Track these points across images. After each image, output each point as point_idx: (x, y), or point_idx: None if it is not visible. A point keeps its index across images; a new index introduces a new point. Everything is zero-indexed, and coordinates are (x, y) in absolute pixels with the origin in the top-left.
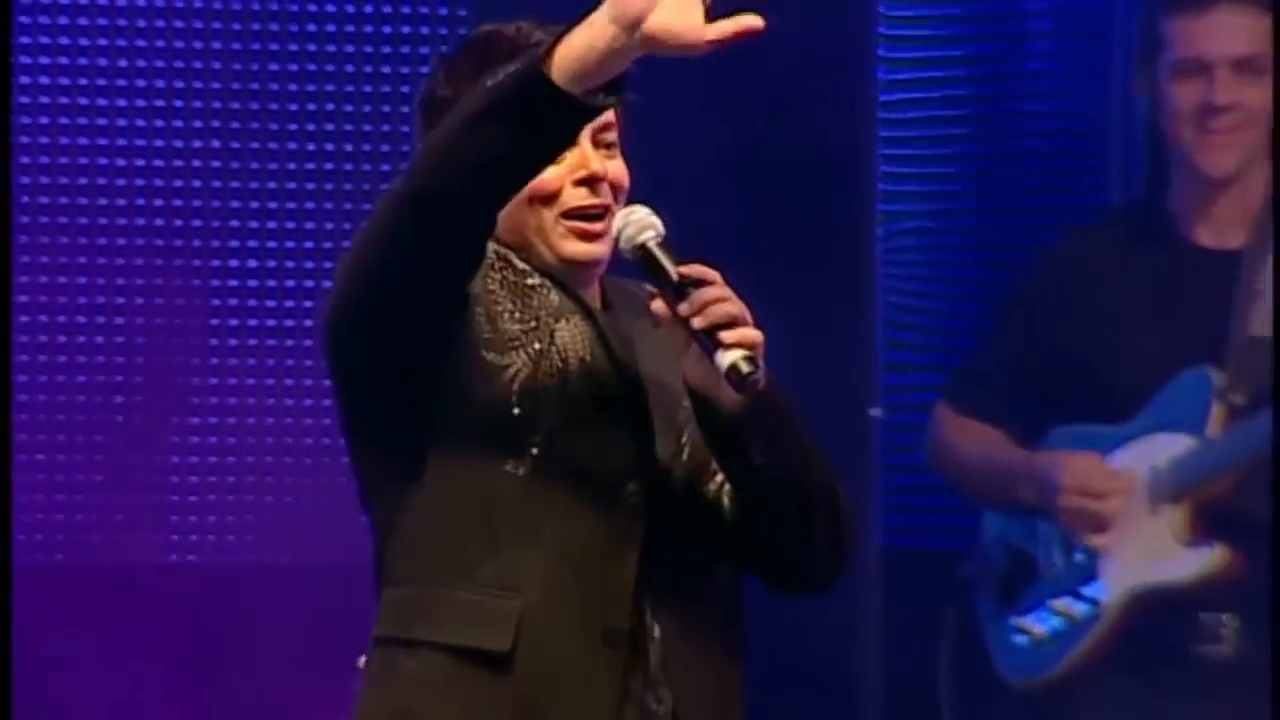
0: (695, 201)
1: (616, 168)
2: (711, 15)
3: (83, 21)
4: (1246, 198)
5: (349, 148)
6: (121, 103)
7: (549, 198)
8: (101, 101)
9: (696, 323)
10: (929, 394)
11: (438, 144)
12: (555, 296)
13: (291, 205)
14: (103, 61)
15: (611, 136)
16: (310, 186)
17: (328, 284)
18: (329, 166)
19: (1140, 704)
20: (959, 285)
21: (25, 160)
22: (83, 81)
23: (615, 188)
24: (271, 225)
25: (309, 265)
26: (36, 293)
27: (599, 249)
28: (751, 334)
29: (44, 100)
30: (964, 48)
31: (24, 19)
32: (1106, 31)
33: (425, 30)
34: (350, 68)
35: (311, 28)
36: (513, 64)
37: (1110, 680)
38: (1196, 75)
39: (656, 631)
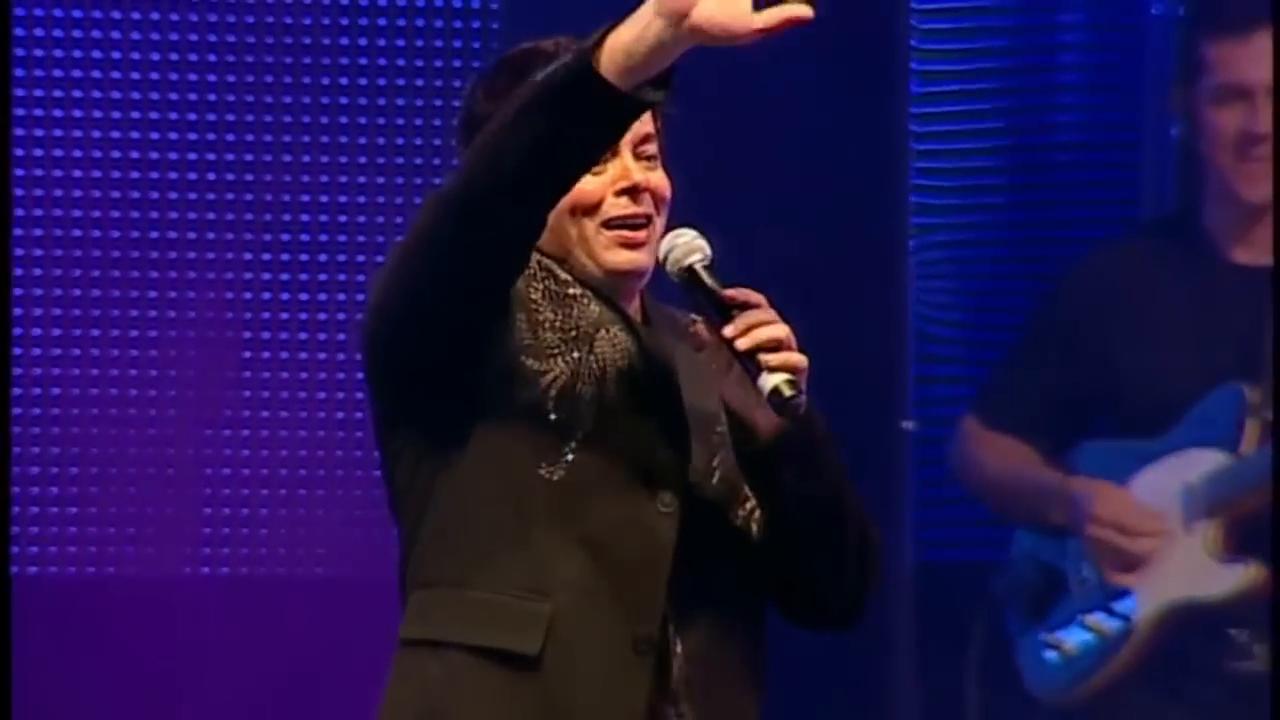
0: (727, 217)
1: (658, 179)
2: (760, 5)
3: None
4: (1273, 226)
5: (381, 160)
6: (136, 110)
7: (591, 208)
8: (115, 109)
9: (741, 344)
10: (960, 406)
11: (487, 141)
12: (596, 307)
13: (324, 218)
14: (115, 55)
15: (652, 149)
16: (343, 200)
17: (360, 296)
18: (362, 179)
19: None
20: (990, 298)
21: (38, 172)
22: (97, 86)
23: (657, 198)
24: (305, 238)
25: (341, 278)
26: (70, 306)
27: (641, 258)
28: (795, 358)
29: (58, 101)
30: (996, 61)
31: (39, 11)
32: (1139, 46)
33: (458, 24)
34: (381, 78)
35: (344, 40)
36: (560, 60)
37: (1141, 696)
38: (1237, 101)
39: (679, 647)
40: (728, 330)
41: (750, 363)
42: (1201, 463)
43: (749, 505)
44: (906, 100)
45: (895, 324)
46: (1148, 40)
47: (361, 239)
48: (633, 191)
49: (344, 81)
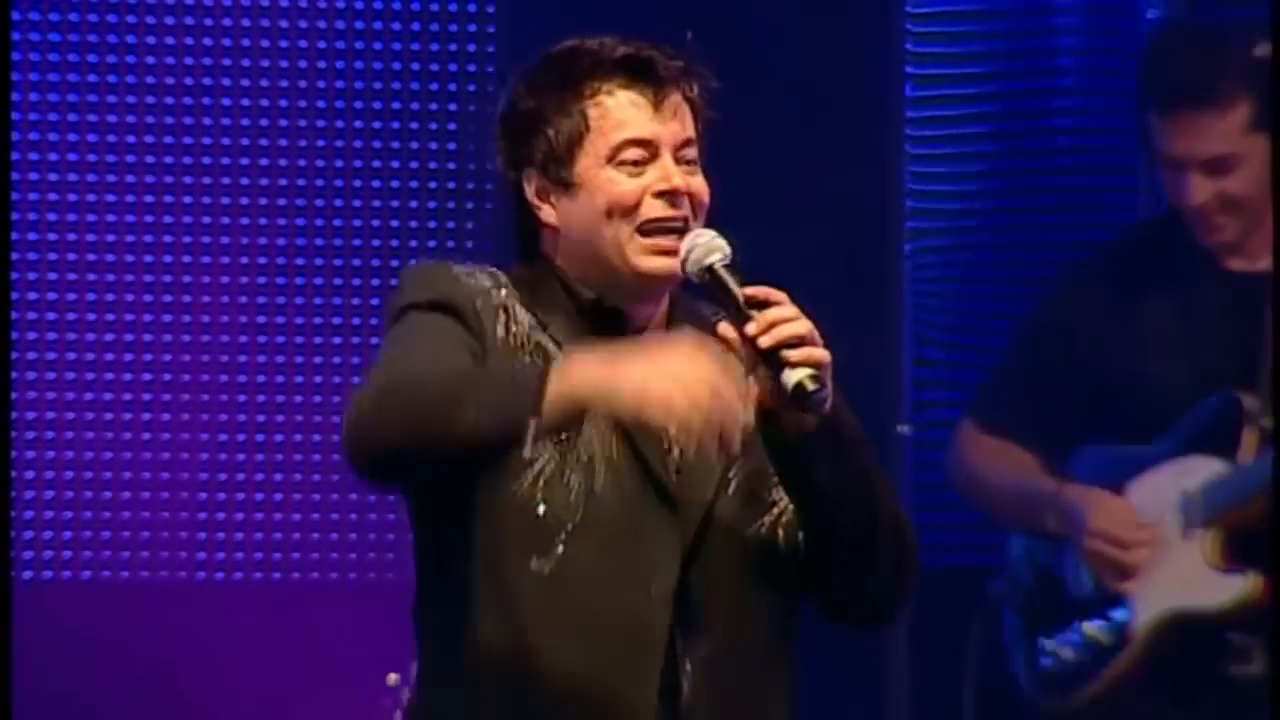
0: (721, 221)
1: (698, 183)
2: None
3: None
4: (1269, 233)
5: (377, 164)
6: (132, 109)
7: (628, 210)
8: (112, 107)
9: (763, 342)
10: (956, 411)
11: (427, 388)
12: None
13: (320, 222)
14: (112, 58)
15: (692, 153)
16: (339, 204)
17: (356, 300)
18: (358, 183)
19: None
20: (985, 303)
21: (34, 175)
22: (98, 86)
23: (695, 203)
24: (301, 241)
25: (337, 282)
26: (65, 310)
27: (674, 264)
28: (817, 353)
29: (53, 102)
30: (991, 65)
31: (35, 15)
32: (1133, 50)
33: (454, 28)
34: (378, 82)
35: (340, 44)
36: (522, 367)
37: (1138, 703)
38: (1174, 173)
39: (687, 687)
40: (749, 328)
41: (773, 360)
42: (1199, 470)
43: (775, 511)
44: (901, 104)
45: (890, 328)
46: (1143, 44)
47: (358, 242)
48: (672, 195)
49: (340, 85)
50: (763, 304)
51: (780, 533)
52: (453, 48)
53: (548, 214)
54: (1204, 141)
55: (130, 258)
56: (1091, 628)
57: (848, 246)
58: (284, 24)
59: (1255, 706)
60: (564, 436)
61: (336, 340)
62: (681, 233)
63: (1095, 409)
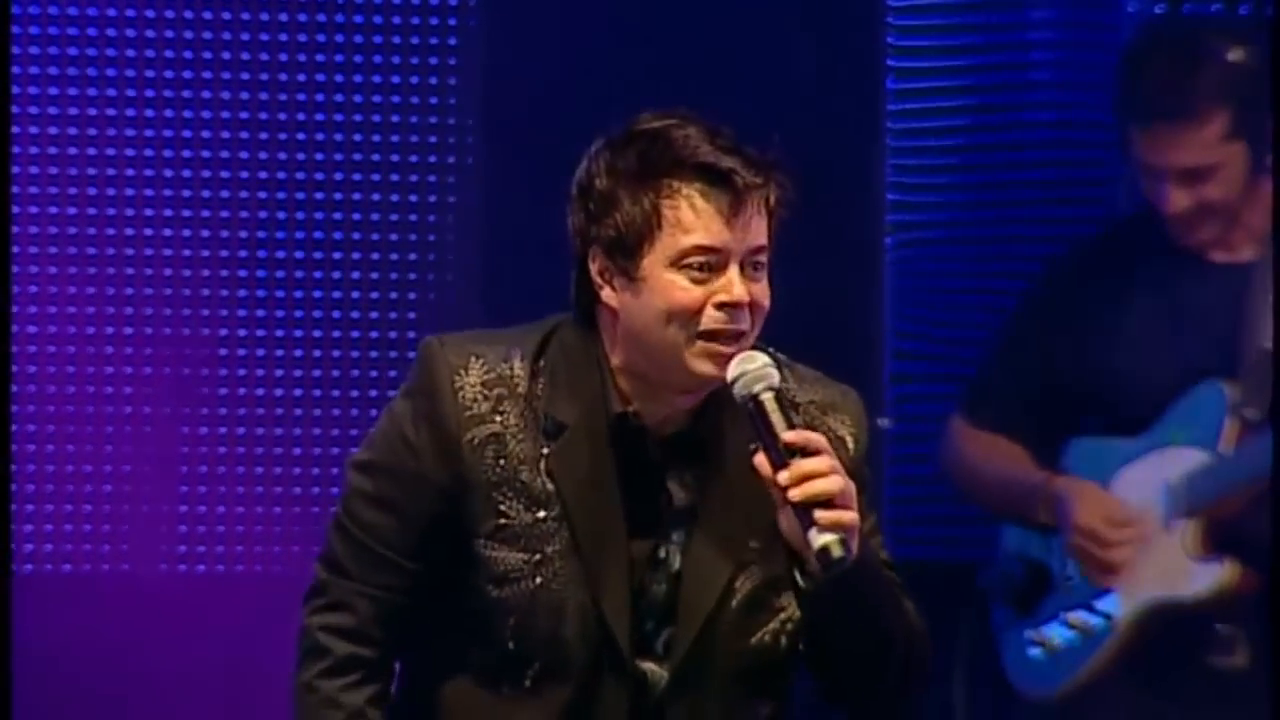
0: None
1: (760, 290)
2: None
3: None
4: (1249, 225)
5: (358, 157)
6: (131, 107)
7: (689, 317)
8: (115, 101)
9: (794, 495)
10: (936, 404)
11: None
12: (565, 534)
13: (301, 215)
14: (111, 52)
15: (763, 258)
16: (320, 197)
17: (337, 294)
18: (339, 176)
19: (1153, 715)
20: (966, 296)
21: (34, 169)
22: (92, 86)
23: (756, 311)
24: (280, 235)
25: (317, 275)
26: (47, 303)
27: (731, 369)
28: (847, 516)
29: (52, 99)
30: (971, 59)
31: (34, 9)
32: (1112, 43)
33: (435, 21)
34: (358, 75)
35: (320, 37)
36: None
37: (1124, 693)
38: (1151, 181)
39: None
40: (782, 477)
41: (802, 513)
42: (1182, 461)
43: (782, 617)
44: (883, 98)
45: (871, 322)
46: (1122, 38)
47: (338, 236)
48: (734, 308)
49: (320, 78)
50: (801, 450)
51: (783, 640)
52: (433, 41)
53: (608, 295)
54: (1180, 153)
55: (126, 252)
56: (1077, 617)
57: (828, 241)
58: (264, 16)
59: (1238, 697)
60: (538, 580)
61: (317, 334)
62: (737, 343)
63: (1083, 402)
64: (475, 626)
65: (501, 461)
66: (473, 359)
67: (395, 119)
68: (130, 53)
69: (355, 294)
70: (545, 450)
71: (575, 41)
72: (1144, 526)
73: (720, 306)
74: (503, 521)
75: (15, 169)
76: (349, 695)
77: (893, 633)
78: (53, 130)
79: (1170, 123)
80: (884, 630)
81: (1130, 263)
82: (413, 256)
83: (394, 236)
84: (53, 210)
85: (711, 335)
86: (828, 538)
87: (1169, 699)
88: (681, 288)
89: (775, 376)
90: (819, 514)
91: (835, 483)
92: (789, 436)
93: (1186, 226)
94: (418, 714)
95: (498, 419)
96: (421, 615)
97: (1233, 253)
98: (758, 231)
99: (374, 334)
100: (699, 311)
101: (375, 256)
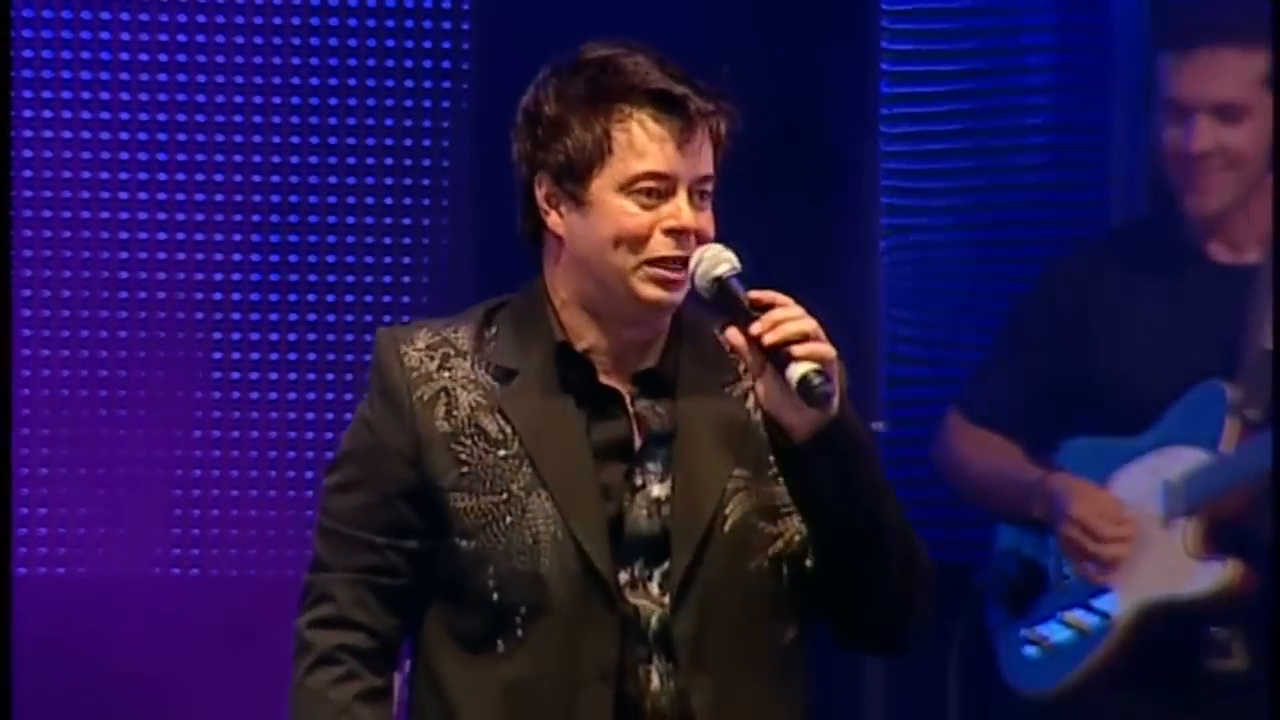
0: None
1: (706, 219)
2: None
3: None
4: (1253, 221)
5: (351, 160)
6: (124, 106)
7: (636, 243)
8: (104, 103)
9: (768, 339)
10: (931, 407)
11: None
12: (528, 469)
13: (294, 219)
14: (105, 55)
15: (707, 188)
16: (314, 200)
17: (331, 297)
18: (333, 180)
19: (1149, 717)
20: (961, 299)
21: (28, 173)
22: (85, 84)
23: (701, 238)
24: (275, 238)
25: (312, 279)
26: (41, 306)
27: (677, 296)
28: (823, 349)
29: (47, 102)
30: (966, 63)
31: (28, 12)
32: (1107, 47)
33: (428, 25)
34: (352, 78)
35: (314, 40)
36: None
37: (1119, 693)
38: (1179, 119)
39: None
40: (754, 328)
41: (779, 358)
42: (1182, 461)
43: (780, 543)
44: (877, 101)
45: (866, 324)
46: (1115, 43)
47: (332, 240)
48: (681, 234)
49: (315, 81)
50: (769, 307)
51: (784, 565)
52: (427, 45)
53: (554, 222)
54: (1219, 84)
55: (121, 255)
56: (1074, 616)
57: (823, 242)
58: (258, 20)
59: (1235, 699)
60: (509, 519)
61: (311, 337)
62: (683, 269)
63: (1081, 401)
64: (460, 591)
65: (455, 413)
66: (420, 331)
67: (389, 122)
68: (124, 55)
69: (350, 297)
70: (498, 394)
71: (567, 43)
72: (1139, 525)
73: (668, 232)
74: (465, 470)
75: (15, 170)
76: (337, 690)
77: (885, 512)
78: (47, 134)
79: (1217, 47)
80: (875, 505)
81: (1133, 264)
82: (406, 260)
83: (387, 239)
84: (46, 214)
85: (658, 262)
86: (805, 367)
87: (1165, 699)
88: (630, 213)
89: (733, 258)
90: (796, 349)
91: (808, 322)
92: (755, 294)
93: (1203, 182)
94: (425, 698)
95: (445, 374)
96: (410, 596)
97: (1234, 253)
98: (706, 160)
99: (369, 338)
100: (647, 237)
101: (369, 259)
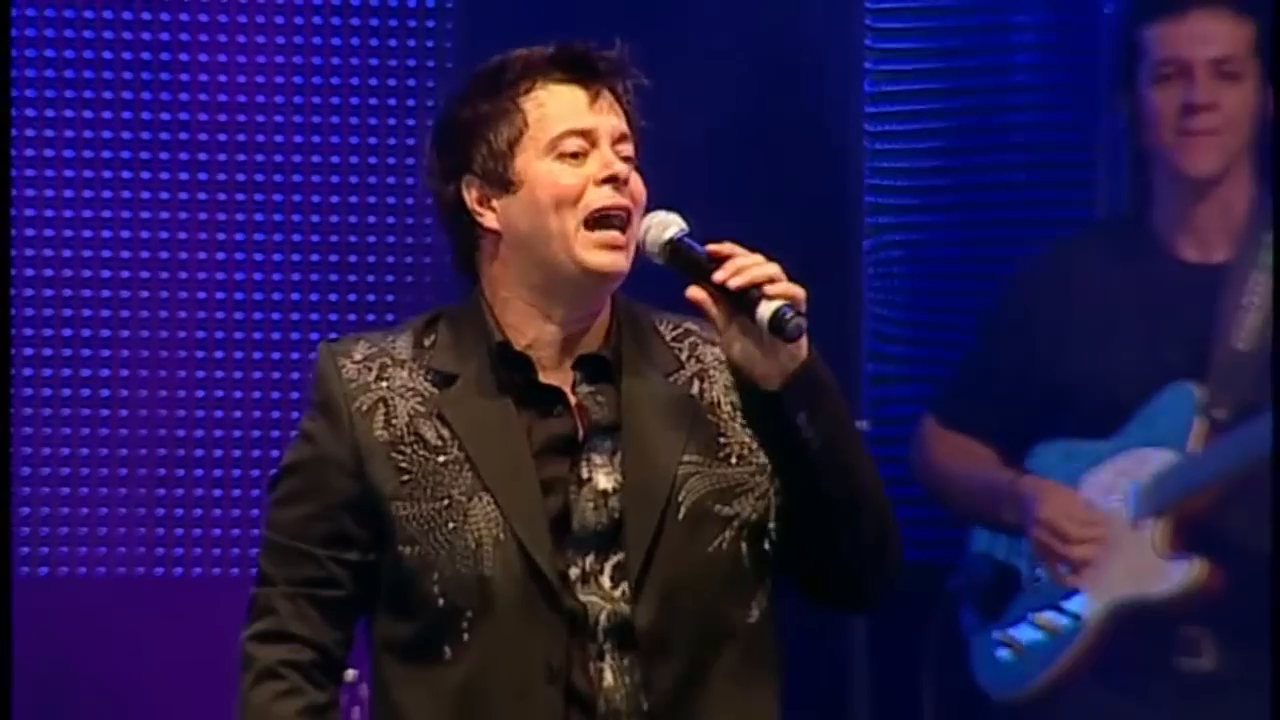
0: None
1: (636, 181)
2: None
3: (85, 20)
4: (1228, 212)
5: (336, 159)
6: (124, 105)
7: (572, 201)
8: (105, 103)
9: (734, 282)
10: (913, 406)
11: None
12: (469, 473)
13: (279, 218)
14: (105, 54)
15: (628, 149)
16: (298, 199)
17: (328, 296)
18: (316, 179)
19: (1121, 716)
20: (945, 298)
21: (29, 172)
22: (86, 88)
23: (635, 199)
24: (266, 238)
25: (295, 277)
26: (40, 306)
27: (621, 261)
28: (791, 287)
29: (47, 101)
30: (950, 61)
31: (29, 11)
32: (1092, 45)
33: (413, 24)
34: (335, 78)
35: (298, 39)
36: None
37: (1091, 693)
38: (1177, 77)
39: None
40: (718, 275)
41: (747, 302)
42: (1151, 462)
43: (736, 524)
44: (861, 100)
45: (849, 323)
46: (1101, 40)
47: (315, 239)
48: (615, 181)
49: (298, 80)
50: (728, 258)
51: (743, 544)
52: (411, 43)
53: (490, 220)
54: (1218, 42)
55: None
56: (1045, 618)
57: (806, 241)
58: (241, 19)
59: (1205, 698)
60: (451, 526)
61: (315, 337)
62: (625, 227)
63: (1053, 404)
64: (407, 599)
65: (394, 421)
66: (357, 343)
67: (373, 121)
68: (108, 54)
69: (333, 296)
70: (437, 400)
71: (549, 42)
72: (1108, 526)
73: (601, 183)
74: (405, 478)
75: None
76: (280, 705)
77: (858, 451)
78: (48, 133)
79: (1210, 7)
80: (850, 444)
81: (1103, 265)
82: (390, 259)
83: (372, 239)
84: (46, 214)
85: (600, 218)
86: (776, 303)
87: (1137, 699)
88: (559, 174)
89: (680, 221)
90: (768, 288)
91: (772, 266)
92: (713, 247)
93: (1193, 144)
94: (379, 708)
95: (383, 384)
96: (353, 607)
97: (1205, 252)
98: (620, 117)
99: None
100: (582, 193)
101: (355, 259)
